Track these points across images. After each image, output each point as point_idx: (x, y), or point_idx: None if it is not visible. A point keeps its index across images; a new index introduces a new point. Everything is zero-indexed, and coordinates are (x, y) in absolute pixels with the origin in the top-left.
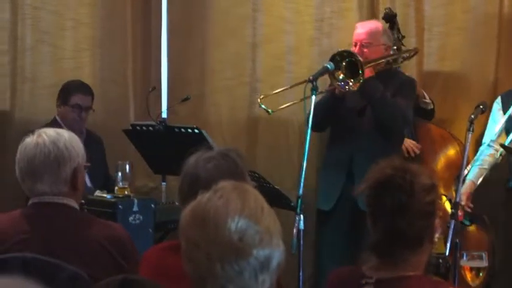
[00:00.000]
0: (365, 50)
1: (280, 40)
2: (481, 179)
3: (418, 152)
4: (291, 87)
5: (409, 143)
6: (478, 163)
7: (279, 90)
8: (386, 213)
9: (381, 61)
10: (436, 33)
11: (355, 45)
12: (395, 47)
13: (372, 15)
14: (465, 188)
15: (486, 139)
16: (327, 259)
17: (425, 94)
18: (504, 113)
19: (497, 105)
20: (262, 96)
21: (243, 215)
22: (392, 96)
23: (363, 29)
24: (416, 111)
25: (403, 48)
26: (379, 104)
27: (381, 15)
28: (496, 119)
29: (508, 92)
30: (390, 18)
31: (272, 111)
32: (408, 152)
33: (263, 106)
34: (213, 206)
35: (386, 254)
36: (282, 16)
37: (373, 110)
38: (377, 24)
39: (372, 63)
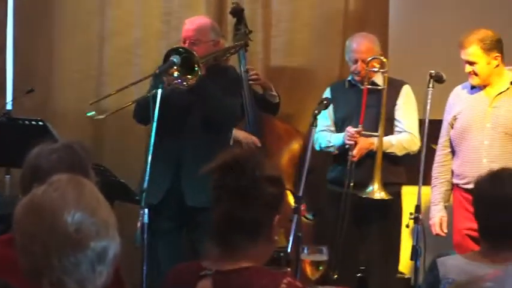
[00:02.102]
0: (194, 47)
1: (128, 33)
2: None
3: (258, 145)
4: (121, 89)
5: (246, 136)
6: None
7: (109, 94)
8: (227, 197)
9: (211, 57)
10: (282, 29)
11: (184, 42)
12: (242, 42)
13: (220, 10)
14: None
15: (319, 127)
16: (162, 254)
17: (272, 87)
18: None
19: (327, 95)
20: (91, 102)
21: (79, 207)
22: (222, 94)
23: (191, 25)
24: (261, 106)
25: (234, 42)
26: (209, 103)
27: (229, 9)
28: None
29: (337, 84)
30: (237, 13)
31: (100, 117)
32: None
33: (90, 114)
34: (48, 199)
35: (224, 240)
36: (130, 9)
37: (203, 108)
38: (205, 20)
39: (204, 60)
